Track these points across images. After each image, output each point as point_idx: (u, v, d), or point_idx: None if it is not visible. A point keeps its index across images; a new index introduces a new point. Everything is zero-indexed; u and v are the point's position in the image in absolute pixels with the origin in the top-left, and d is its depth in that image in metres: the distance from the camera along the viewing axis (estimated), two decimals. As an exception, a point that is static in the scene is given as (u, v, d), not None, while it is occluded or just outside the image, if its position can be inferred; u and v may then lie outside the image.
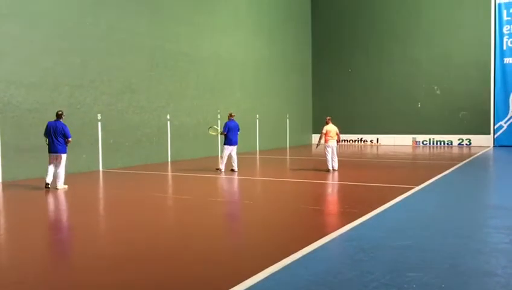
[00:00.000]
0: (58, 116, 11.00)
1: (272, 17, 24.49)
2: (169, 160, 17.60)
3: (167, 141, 17.66)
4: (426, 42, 25.53)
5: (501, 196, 10.43)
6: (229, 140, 14.07)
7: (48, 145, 10.98)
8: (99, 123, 14.89)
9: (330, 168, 13.99)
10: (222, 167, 14.07)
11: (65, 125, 10.99)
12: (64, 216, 8.71)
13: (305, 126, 28.18)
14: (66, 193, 10.68)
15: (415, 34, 25.80)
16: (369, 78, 27.06)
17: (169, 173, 14.79)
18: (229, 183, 12.45)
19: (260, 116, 23.17)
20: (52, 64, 13.56)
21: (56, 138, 10.83)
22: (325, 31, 28.18)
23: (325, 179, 12.75)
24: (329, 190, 11.38)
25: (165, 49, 17.58)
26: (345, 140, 27.66)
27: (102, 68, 15.10)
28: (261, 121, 23.26)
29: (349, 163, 17.04)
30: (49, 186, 10.98)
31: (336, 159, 14.19)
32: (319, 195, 10.63)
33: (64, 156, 11.02)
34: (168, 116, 17.65)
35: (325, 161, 14.19)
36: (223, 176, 13.36)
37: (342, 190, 11.09)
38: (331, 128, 14.20)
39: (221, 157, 14.27)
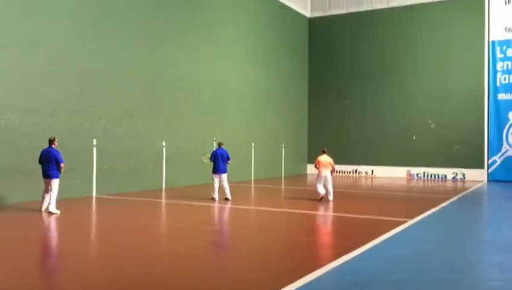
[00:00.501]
0: (50, 142, 11.34)
1: (269, 47, 24.85)
2: (163, 187, 17.54)
3: (162, 167, 17.63)
4: (421, 76, 25.89)
5: (495, 231, 10.44)
6: (214, 168, 14.09)
7: (42, 171, 11.26)
8: (95, 148, 14.89)
9: (322, 193, 14.10)
10: (215, 195, 14.00)
11: (57, 152, 11.28)
12: (55, 242, 8.63)
13: (301, 156, 28.24)
14: (58, 218, 10.60)
15: (410, 68, 26.19)
16: (365, 110, 27.30)
17: (163, 201, 14.73)
18: (222, 213, 12.40)
19: (256, 144, 23.25)
20: (50, 89, 13.64)
21: (48, 163, 11.13)
22: (322, 63, 28.55)
23: (319, 210, 12.73)
24: (323, 221, 11.35)
25: (163, 76, 17.74)
26: (340, 171, 27.69)
27: (101, 94, 15.20)
28: (257, 149, 23.32)
29: (344, 194, 17.03)
30: (43, 211, 11.16)
31: (330, 190, 14.23)
32: (312, 226, 10.59)
33: (56, 181, 11.24)
34: (164, 143, 17.67)
35: (316, 190, 14.36)
36: (216, 204, 13.31)
37: (336, 222, 11.07)
38: (322, 158, 14.39)
39: (213, 186, 14.16)
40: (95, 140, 14.88)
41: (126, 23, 16.19)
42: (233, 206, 13.12)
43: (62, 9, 14.06)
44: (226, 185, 14.12)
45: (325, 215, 11.97)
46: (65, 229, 9.65)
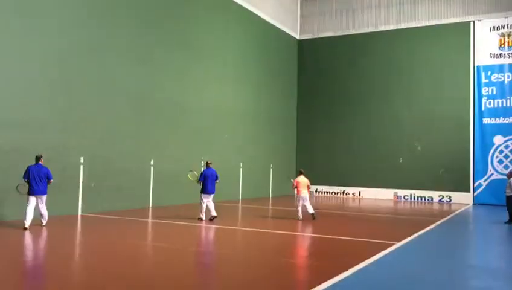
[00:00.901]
0: (38, 159, 11.73)
1: (259, 69, 25.04)
2: (150, 206, 17.39)
3: (149, 186, 17.51)
4: (408, 100, 26.23)
5: (481, 256, 10.48)
6: (205, 188, 13.97)
7: (30, 187, 11.50)
8: (82, 166, 14.76)
9: (300, 218, 14.40)
10: (203, 215, 13.94)
11: (47, 168, 11.75)
12: (36, 262, 8.47)
13: (289, 176, 28.21)
14: (39, 237, 10.44)
15: (397, 92, 26.52)
16: (353, 132, 27.50)
17: (149, 220, 14.58)
18: (207, 233, 12.30)
19: (244, 165, 23.23)
20: (37, 106, 13.57)
21: (40, 180, 11.54)
22: (311, 85, 28.81)
23: (306, 231, 12.69)
24: (310, 242, 11.30)
25: (152, 96, 17.75)
26: (327, 192, 27.75)
27: (89, 112, 15.13)
28: (245, 169, 23.29)
29: (331, 215, 17.03)
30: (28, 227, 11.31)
31: (310, 207, 14.57)
32: (298, 248, 10.55)
33: (45, 197, 11.79)
34: (152, 162, 17.59)
35: (296, 212, 14.69)
36: (203, 224, 13.22)
37: (323, 244, 11.03)
38: (301, 180, 14.69)
39: (201, 206, 14.07)
40: (82, 158, 14.76)
41: (116, 43, 16.24)
42: (219, 226, 13.03)
43: (52, 28, 14.07)
44: (211, 204, 14.07)
45: (312, 237, 11.93)
46: (45, 250, 9.49)
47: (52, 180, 11.78)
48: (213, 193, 14.06)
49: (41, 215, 11.77)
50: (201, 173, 14.18)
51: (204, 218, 13.87)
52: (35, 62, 13.57)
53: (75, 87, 14.69)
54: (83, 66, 14.97)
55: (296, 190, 14.78)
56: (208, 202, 14.02)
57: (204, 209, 13.95)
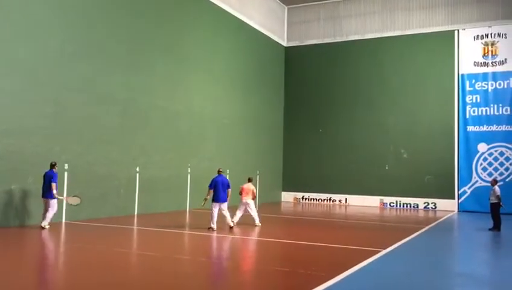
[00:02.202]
0: (52, 166, 12.75)
1: (246, 76, 25.05)
2: (135, 213, 17.23)
3: (135, 193, 17.36)
4: (394, 107, 26.44)
5: (466, 263, 10.56)
6: (215, 196, 13.61)
7: (42, 191, 12.69)
8: (66, 173, 14.58)
9: (233, 223, 14.06)
10: (213, 225, 13.43)
11: (55, 174, 12.74)
12: (19, 272, 8.32)
13: (276, 183, 28.24)
14: (24, 245, 10.26)
15: (383, 98, 26.72)
16: (339, 139, 27.62)
17: (135, 227, 14.44)
18: (192, 241, 12.21)
19: (231, 171, 23.15)
20: (22, 112, 13.38)
21: (48, 185, 12.56)
22: (298, 91, 28.89)
23: (293, 239, 12.67)
24: (296, 250, 11.28)
25: (139, 102, 17.64)
26: (313, 199, 27.78)
27: (74, 118, 14.97)
28: (231, 176, 23.14)
29: (317, 223, 17.04)
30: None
31: (254, 214, 14.67)
32: (285, 255, 10.51)
33: (52, 201, 12.64)
34: (138, 169, 17.45)
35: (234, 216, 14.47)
36: (189, 232, 13.11)
37: (310, 251, 11.01)
38: (246, 186, 14.80)
39: (210, 214, 13.64)
40: (66, 165, 14.58)
41: (103, 49, 16.12)
42: (206, 234, 12.93)
43: (39, 33, 13.92)
44: (226, 213, 13.72)
45: (297, 244, 11.91)
46: (23, 259, 9.32)
47: (54, 184, 12.55)
48: (224, 201, 13.64)
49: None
50: (212, 181, 13.78)
51: (215, 228, 13.41)
52: (21, 68, 13.40)
53: (60, 93, 14.52)
54: (69, 72, 14.82)
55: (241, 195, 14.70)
56: (222, 211, 13.61)
57: (214, 219, 13.46)
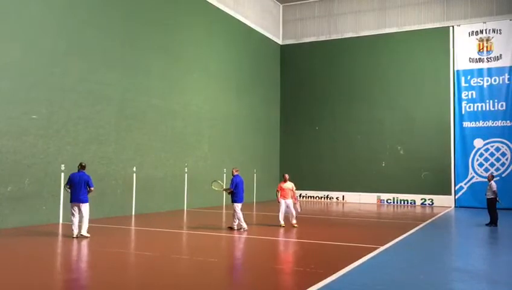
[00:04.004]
0: (82, 167, 11.69)
1: (242, 74, 25.03)
2: (133, 213, 17.19)
3: (132, 193, 17.32)
4: (390, 104, 26.48)
5: (463, 258, 10.59)
6: (239, 197, 13.42)
7: (71, 195, 11.56)
8: (62, 174, 14.53)
9: (282, 223, 14.14)
10: (243, 224, 13.33)
11: (89, 176, 11.67)
12: (21, 273, 8.29)
13: (272, 182, 28.22)
14: (26, 247, 10.23)
15: (379, 95, 26.75)
16: (336, 137, 27.65)
17: (132, 227, 14.41)
18: (191, 240, 12.20)
19: (228, 170, 23.14)
20: (17, 113, 13.32)
21: (80, 188, 11.43)
22: (294, 89, 28.90)
23: (290, 237, 12.67)
24: (294, 247, 11.28)
25: (134, 102, 17.59)
26: (311, 196, 27.82)
27: (69, 118, 14.92)
28: (228, 175, 23.17)
29: (315, 220, 17.05)
30: (79, 235, 11.43)
31: (293, 216, 14.32)
32: (284, 253, 10.51)
33: (86, 205, 11.56)
34: (135, 169, 17.41)
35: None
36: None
37: (308, 249, 11.02)
38: (285, 186, 14.46)
39: (234, 216, 13.44)
40: (62, 165, 14.54)
41: (97, 49, 16.06)
42: (206, 233, 12.93)
43: (33, 32, 13.86)
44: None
45: (295, 242, 11.92)
46: (22, 260, 9.28)
47: (92, 188, 11.63)
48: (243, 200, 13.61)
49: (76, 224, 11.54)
50: (232, 181, 13.61)
51: (246, 227, 13.31)
52: (15, 67, 13.34)
53: (55, 93, 14.47)
54: (64, 71, 14.76)
55: (279, 195, 14.46)
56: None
57: (242, 218, 13.36)
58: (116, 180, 16.68)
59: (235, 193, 13.46)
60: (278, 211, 14.53)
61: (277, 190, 14.66)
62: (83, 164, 11.81)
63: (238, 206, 13.36)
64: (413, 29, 26.22)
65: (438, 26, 25.64)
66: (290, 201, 14.35)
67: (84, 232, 11.47)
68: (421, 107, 25.70)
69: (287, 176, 14.86)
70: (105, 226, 13.81)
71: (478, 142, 24.46)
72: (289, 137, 28.81)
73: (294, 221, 14.35)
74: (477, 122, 24.57)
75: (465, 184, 24.57)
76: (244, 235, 12.70)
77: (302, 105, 28.56)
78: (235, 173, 13.81)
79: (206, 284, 7.43)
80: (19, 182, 13.20)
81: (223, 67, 23.45)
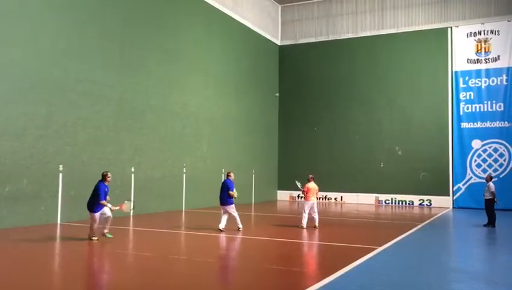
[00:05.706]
0: (103, 177, 11.33)
1: (240, 75, 25.03)
2: (131, 213, 17.16)
3: (130, 194, 17.30)
4: (388, 105, 26.52)
5: (461, 259, 10.61)
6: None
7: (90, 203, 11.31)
8: (61, 174, 14.51)
9: (304, 226, 14.15)
10: (240, 225, 13.52)
11: (101, 186, 11.11)
12: (19, 274, 8.29)
13: (271, 182, 28.27)
14: (25, 247, 10.22)
15: (377, 97, 26.79)
16: (334, 137, 27.67)
17: (131, 228, 14.40)
18: (189, 240, 12.20)
19: (226, 171, 23.12)
20: (16, 113, 13.30)
21: (92, 196, 11.13)
22: (292, 90, 28.91)
23: (288, 237, 12.68)
24: (293, 248, 11.29)
25: (133, 102, 17.58)
26: (309, 197, 27.81)
27: (68, 119, 14.90)
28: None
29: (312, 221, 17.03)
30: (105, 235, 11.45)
31: (316, 216, 14.43)
32: (282, 254, 10.52)
33: (92, 215, 11.14)
34: (133, 169, 17.40)
35: (301, 218, 14.40)
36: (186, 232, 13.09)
37: (306, 249, 11.04)
38: (312, 186, 14.58)
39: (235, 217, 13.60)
40: (61, 166, 14.52)
41: (96, 49, 16.05)
42: (202, 233, 12.93)
43: (33, 32, 13.84)
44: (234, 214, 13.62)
45: (295, 243, 11.93)
46: (21, 260, 9.28)
47: (101, 202, 11.08)
48: (224, 203, 13.56)
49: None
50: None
51: (221, 228, 13.31)
52: (14, 68, 13.32)
53: (53, 94, 14.45)
54: (63, 72, 14.75)
55: (305, 196, 14.55)
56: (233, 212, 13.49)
57: (238, 219, 13.49)
58: (115, 181, 16.61)
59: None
60: (301, 213, 14.60)
61: (304, 191, 14.68)
62: (103, 173, 11.53)
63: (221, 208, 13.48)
64: (411, 30, 26.26)
65: (436, 27, 25.69)
66: (315, 201, 14.54)
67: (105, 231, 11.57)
68: (419, 107, 25.75)
69: (311, 176, 15.00)
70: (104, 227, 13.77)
71: (476, 143, 24.51)
72: (287, 137, 28.82)
73: (316, 223, 14.42)
74: (475, 123, 24.62)
75: (463, 185, 24.61)
76: (243, 236, 12.70)
77: (301, 106, 28.58)
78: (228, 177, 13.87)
79: (205, 285, 7.43)
80: (17, 182, 13.18)
81: (221, 68, 23.46)
